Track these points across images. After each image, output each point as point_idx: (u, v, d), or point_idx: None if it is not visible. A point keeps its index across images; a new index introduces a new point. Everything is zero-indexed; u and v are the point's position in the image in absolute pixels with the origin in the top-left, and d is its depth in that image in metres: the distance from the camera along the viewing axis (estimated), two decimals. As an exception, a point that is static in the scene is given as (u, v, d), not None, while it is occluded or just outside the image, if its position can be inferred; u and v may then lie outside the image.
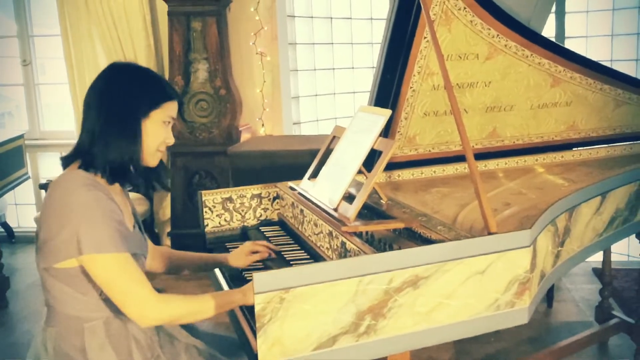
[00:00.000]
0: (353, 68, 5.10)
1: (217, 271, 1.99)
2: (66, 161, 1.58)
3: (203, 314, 1.52)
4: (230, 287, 1.83)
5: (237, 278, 1.85)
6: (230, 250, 2.11)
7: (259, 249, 1.90)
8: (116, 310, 1.53)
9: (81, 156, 1.55)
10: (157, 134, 1.58)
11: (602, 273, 3.08)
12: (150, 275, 1.84)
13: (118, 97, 1.54)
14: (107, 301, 1.52)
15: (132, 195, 3.89)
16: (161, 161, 1.71)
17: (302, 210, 2.00)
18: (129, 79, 1.58)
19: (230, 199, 2.24)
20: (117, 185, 1.62)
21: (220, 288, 1.87)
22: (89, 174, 1.51)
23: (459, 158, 2.43)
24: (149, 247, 1.86)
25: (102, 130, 1.53)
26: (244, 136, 4.56)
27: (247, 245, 1.92)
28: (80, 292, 1.51)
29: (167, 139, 1.62)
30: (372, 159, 1.81)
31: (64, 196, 1.45)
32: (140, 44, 4.57)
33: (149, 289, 1.47)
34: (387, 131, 2.29)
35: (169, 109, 1.60)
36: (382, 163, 1.74)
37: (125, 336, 1.55)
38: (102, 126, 1.53)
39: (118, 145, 1.52)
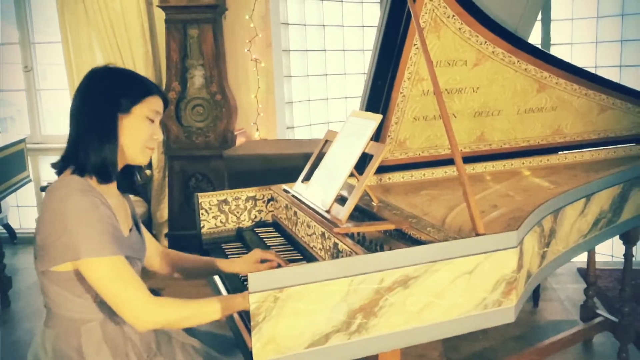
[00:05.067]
0: (345, 74, 5.12)
1: (216, 278, 1.96)
2: (56, 168, 1.58)
3: (202, 318, 1.49)
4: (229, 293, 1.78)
5: (240, 290, 1.76)
6: (226, 250, 2.13)
7: (269, 257, 1.83)
8: (112, 313, 1.52)
9: (71, 162, 1.54)
10: (141, 129, 1.57)
11: (587, 273, 3.10)
12: (150, 274, 1.84)
13: (91, 99, 1.54)
14: (103, 304, 1.51)
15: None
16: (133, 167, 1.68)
17: (295, 212, 2.02)
18: (104, 80, 1.57)
19: (225, 201, 2.25)
20: (113, 188, 1.62)
21: (219, 294, 1.84)
22: (83, 179, 1.51)
23: (448, 161, 2.45)
24: (156, 248, 1.86)
25: (80, 135, 1.53)
26: (239, 140, 4.58)
27: (257, 253, 1.84)
28: (76, 295, 1.51)
29: (154, 135, 1.60)
30: (363, 162, 1.83)
31: (60, 202, 1.45)
32: (138, 51, 4.59)
33: (144, 293, 1.45)
34: (378, 135, 2.31)
35: (152, 104, 1.58)
36: (373, 166, 1.76)
37: (122, 337, 1.56)
38: (79, 131, 1.53)
39: (96, 146, 1.51)
